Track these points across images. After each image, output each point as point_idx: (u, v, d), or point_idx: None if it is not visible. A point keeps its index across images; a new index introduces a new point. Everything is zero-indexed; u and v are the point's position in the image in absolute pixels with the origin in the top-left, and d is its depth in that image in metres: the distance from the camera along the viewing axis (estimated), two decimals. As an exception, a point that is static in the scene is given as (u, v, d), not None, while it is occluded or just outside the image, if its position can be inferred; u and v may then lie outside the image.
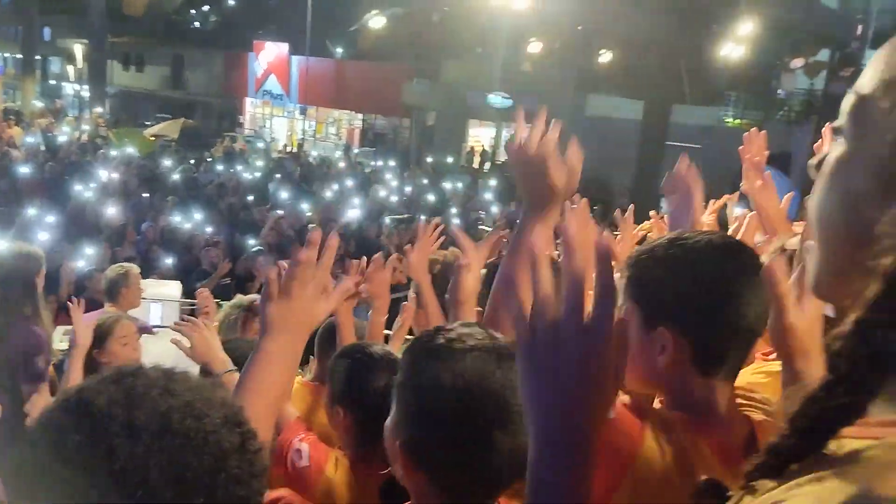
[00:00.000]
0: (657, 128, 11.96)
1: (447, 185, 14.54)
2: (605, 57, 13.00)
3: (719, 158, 13.88)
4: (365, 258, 2.61)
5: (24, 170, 11.42)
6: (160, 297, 5.60)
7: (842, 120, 0.63)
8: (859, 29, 11.31)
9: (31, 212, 8.34)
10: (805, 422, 0.57)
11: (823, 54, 11.60)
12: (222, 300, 5.81)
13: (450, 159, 19.45)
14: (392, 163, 17.59)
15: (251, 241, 8.94)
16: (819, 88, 14.66)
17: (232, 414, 0.79)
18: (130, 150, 15.03)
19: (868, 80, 0.60)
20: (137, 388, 0.76)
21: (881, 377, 0.54)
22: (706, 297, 1.12)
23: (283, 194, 12.13)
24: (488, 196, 13.03)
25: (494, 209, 12.15)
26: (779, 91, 17.49)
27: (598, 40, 12.82)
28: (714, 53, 9.33)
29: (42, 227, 7.92)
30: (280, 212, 10.26)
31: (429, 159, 18.28)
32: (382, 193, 12.74)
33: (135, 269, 4.89)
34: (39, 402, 3.29)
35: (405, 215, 8.56)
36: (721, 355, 1.13)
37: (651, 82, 12.11)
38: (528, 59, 13.46)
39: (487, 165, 20.81)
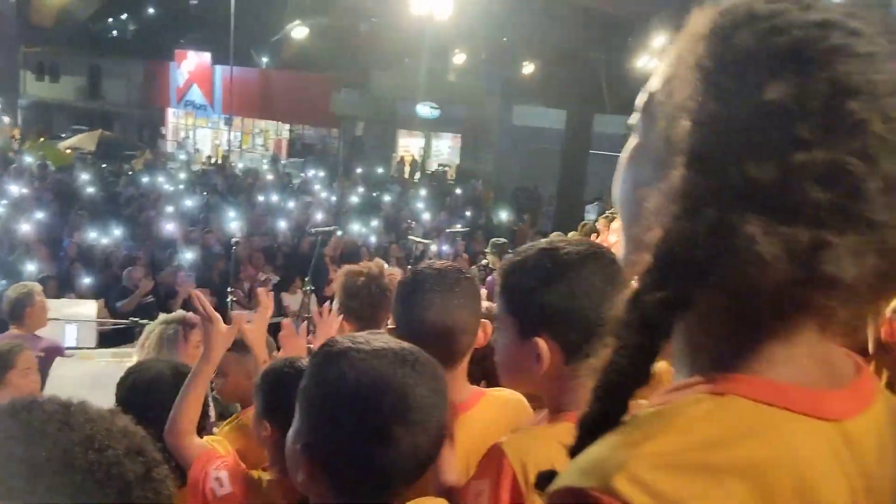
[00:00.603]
0: (580, 137, 12.30)
1: (377, 196, 14.53)
2: (529, 68, 13.29)
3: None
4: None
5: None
6: (77, 317, 5.39)
7: (634, 116, 0.69)
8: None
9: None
10: (601, 392, 0.61)
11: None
12: (144, 318, 5.65)
13: (380, 169, 19.42)
14: (321, 174, 17.43)
15: (174, 256, 8.71)
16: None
17: (134, 444, 0.78)
18: (45, 162, 14.38)
19: (654, 78, 0.66)
20: (34, 423, 0.74)
21: (655, 343, 0.59)
22: (576, 306, 1.17)
23: (208, 207, 11.85)
24: (419, 205, 13.08)
25: (426, 217, 12.20)
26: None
27: (521, 51, 13.09)
28: (632, 64, 9.70)
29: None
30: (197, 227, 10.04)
31: (359, 170, 18.21)
32: (310, 205, 12.60)
33: (37, 287, 4.69)
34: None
35: (331, 227, 8.48)
36: (590, 355, 1.18)
37: (572, 92, 12.47)
38: (452, 70, 13.63)
39: (417, 175, 20.89)
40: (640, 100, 0.68)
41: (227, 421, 2.54)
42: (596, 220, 7.39)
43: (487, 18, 9.63)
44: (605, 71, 11.81)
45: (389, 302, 2.42)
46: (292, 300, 8.75)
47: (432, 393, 1.06)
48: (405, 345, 1.11)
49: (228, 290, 6.51)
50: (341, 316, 2.59)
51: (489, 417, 1.61)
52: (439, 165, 22.88)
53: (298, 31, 8.80)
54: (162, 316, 3.47)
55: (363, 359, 1.04)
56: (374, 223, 11.33)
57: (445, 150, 24.85)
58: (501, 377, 1.33)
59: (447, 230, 10.02)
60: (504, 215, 12.97)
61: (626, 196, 0.68)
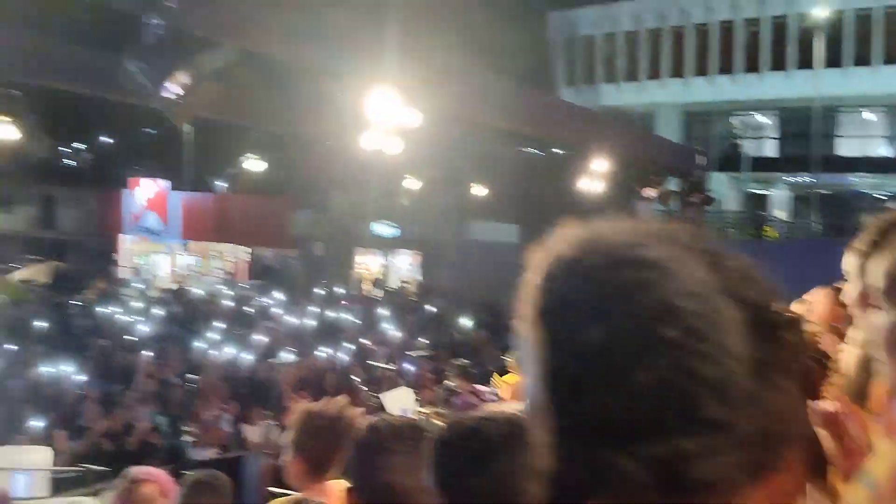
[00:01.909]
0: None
1: (338, 316, 14.46)
2: (481, 189, 13.86)
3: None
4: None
5: None
6: (27, 465, 5.13)
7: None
8: (699, 158, 12.93)
9: None
10: None
11: (671, 182, 13.11)
12: (100, 462, 5.41)
13: (340, 289, 19.45)
14: (283, 296, 17.34)
15: (129, 391, 8.42)
16: (674, 210, 16.26)
17: None
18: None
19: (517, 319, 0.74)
20: None
21: None
22: (502, 490, 1.15)
23: (165, 337, 11.62)
24: (383, 325, 13.04)
25: (387, 337, 12.14)
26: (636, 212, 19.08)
27: (471, 175, 13.68)
28: (578, 180, 10.26)
29: None
30: (151, 355, 9.78)
31: (319, 290, 18.19)
32: (270, 331, 12.44)
33: None
34: None
35: (290, 359, 8.38)
36: None
37: (523, 208, 12.92)
38: (406, 193, 14.12)
39: (379, 293, 20.94)
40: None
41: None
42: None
43: (436, 147, 10.12)
44: (553, 187, 12.35)
45: (343, 444, 2.41)
46: (253, 431, 8.48)
47: None
48: None
49: (186, 428, 6.28)
50: (289, 456, 2.55)
51: None
52: (402, 282, 23.03)
53: (253, 164, 9.08)
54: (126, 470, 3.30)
55: None
56: (337, 345, 11.21)
57: (405, 267, 25.11)
58: None
59: (412, 352, 9.98)
60: (466, 331, 12.99)
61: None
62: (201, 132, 23.16)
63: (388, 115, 5.80)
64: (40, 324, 12.01)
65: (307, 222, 24.28)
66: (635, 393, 0.59)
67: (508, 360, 7.92)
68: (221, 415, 8.30)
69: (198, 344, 10.76)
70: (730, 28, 28.19)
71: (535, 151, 10.85)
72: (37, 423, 6.94)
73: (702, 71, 28.73)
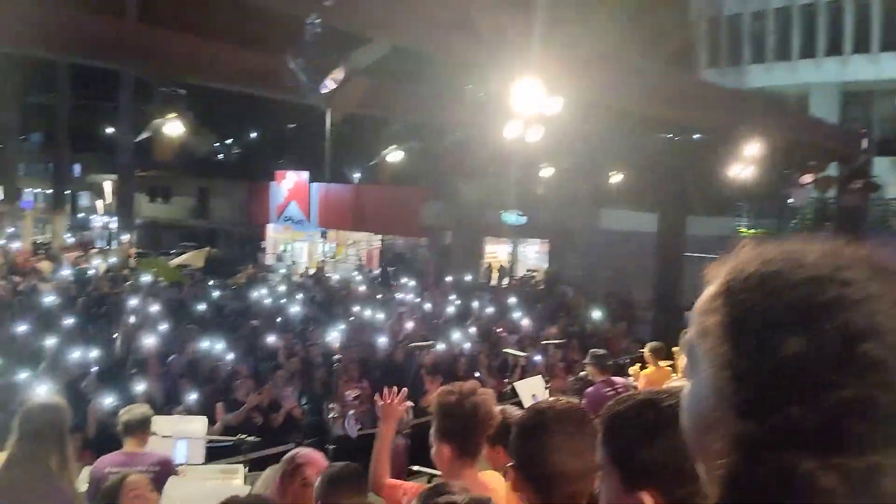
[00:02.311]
0: (673, 240, 12.11)
1: (468, 303, 14.62)
2: (616, 176, 13.43)
3: (737, 268, 13.88)
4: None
5: (54, 303, 11.68)
6: (186, 433, 5.57)
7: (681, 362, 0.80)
8: (864, 142, 11.73)
9: (60, 346, 8.46)
10: None
11: (832, 168, 11.97)
12: (250, 432, 5.79)
13: (468, 277, 19.65)
14: (412, 282, 17.80)
15: (277, 368, 8.95)
16: (830, 196, 14.99)
17: None
18: (157, 279, 15.35)
19: (691, 327, 0.75)
20: None
21: None
22: (682, 461, 1.11)
23: (307, 319, 12.24)
24: (511, 313, 13.04)
25: (518, 323, 12.13)
26: (788, 200, 17.78)
27: (607, 161, 13.29)
28: (724, 168, 9.68)
29: (72, 361, 8.00)
30: (294, 336, 10.35)
31: (448, 278, 18.49)
32: (403, 315, 12.80)
33: (148, 408, 4.94)
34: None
35: (428, 342, 8.60)
36: None
37: (662, 197, 12.40)
38: (538, 181, 13.98)
39: (506, 281, 20.97)
40: (683, 347, 0.79)
41: None
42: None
43: (572, 135, 9.88)
44: (696, 175, 11.77)
45: (482, 421, 2.53)
46: (388, 412, 8.78)
47: None
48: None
49: (330, 405, 6.59)
50: (435, 444, 2.62)
51: None
52: (528, 271, 22.96)
53: (394, 155, 9.37)
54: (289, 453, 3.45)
55: None
56: (468, 332, 11.35)
57: (533, 255, 25.01)
58: None
59: (542, 341, 9.90)
60: (597, 322, 12.72)
61: (687, 434, 0.77)
62: (340, 126, 24.18)
63: (530, 105, 5.76)
64: (196, 305, 13.03)
65: (437, 212, 24.74)
66: (838, 406, 0.61)
67: (644, 352, 7.71)
68: (358, 394, 8.65)
69: (335, 326, 11.25)
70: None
71: (678, 136, 10.34)
72: (193, 396, 7.51)
73: (862, 48, 26.32)
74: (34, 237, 24.58)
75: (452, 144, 17.33)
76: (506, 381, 8.31)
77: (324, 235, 28.15)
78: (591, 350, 6.69)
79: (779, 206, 20.04)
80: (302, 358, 9.50)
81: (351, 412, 8.23)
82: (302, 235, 29.10)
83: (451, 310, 13.75)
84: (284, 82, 4.79)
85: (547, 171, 12.91)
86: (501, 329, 11.89)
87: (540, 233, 23.12)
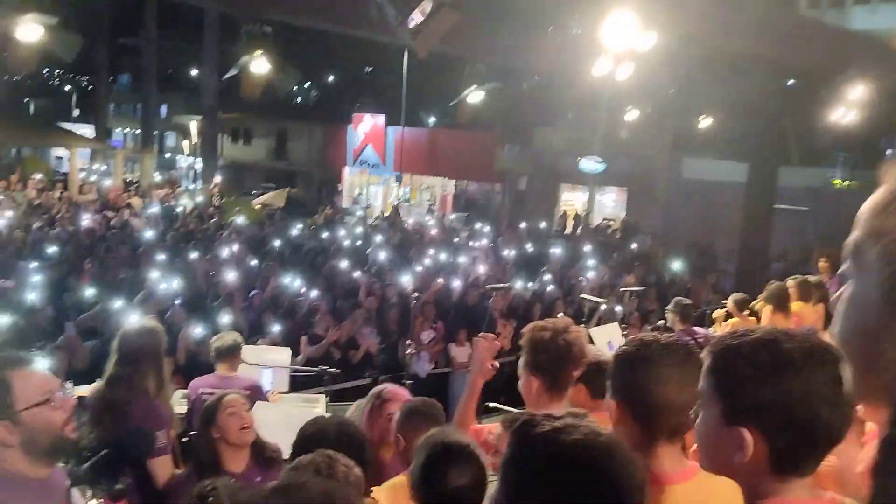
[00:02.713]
0: (764, 191, 11.52)
1: (542, 250, 14.50)
2: (705, 121, 12.76)
3: (828, 221, 13.22)
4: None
5: (147, 237, 12.23)
6: (272, 362, 5.79)
7: (845, 264, 0.75)
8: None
9: (152, 279, 8.87)
10: None
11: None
12: (329, 366, 5.97)
13: (543, 224, 19.44)
14: (486, 228, 17.76)
15: (354, 308, 9.16)
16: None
17: None
18: (241, 218, 15.85)
19: (858, 229, 0.72)
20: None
21: None
22: (793, 407, 1.13)
23: (382, 260, 12.43)
24: (587, 261, 12.86)
25: (593, 273, 11.97)
26: (888, 151, 16.70)
27: (696, 104, 12.65)
28: (822, 116, 9.06)
29: (163, 293, 8.39)
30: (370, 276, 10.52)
31: (522, 224, 18.34)
32: (476, 259, 12.82)
33: (239, 335, 5.14)
34: (163, 473, 3.43)
35: (505, 284, 8.61)
36: (798, 461, 1.16)
37: (755, 145, 11.77)
38: (618, 125, 13.43)
39: (581, 229, 20.66)
40: (849, 249, 0.73)
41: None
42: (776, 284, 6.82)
43: (660, 73, 9.42)
44: (792, 122, 11.11)
45: (575, 357, 2.55)
46: (460, 352, 8.89)
47: (628, 482, 1.10)
48: (604, 430, 1.16)
49: (408, 342, 6.72)
50: (523, 376, 2.62)
51: (697, 498, 1.59)
52: (604, 219, 22.55)
53: (475, 96, 9.19)
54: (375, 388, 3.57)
55: (566, 449, 1.09)
56: (542, 278, 11.28)
57: (610, 203, 24.50)
58: (699, 455, 1.31)
59: (620, 288, 9.74)
60: (677, 272, 12.39)
61: (848, 338, 0.75)
62: (418, 68, 24.00)
63: (621, 41, 5.50)
64: (276, 243, 13.40)
65: (512, 157, 24.45)
66: None
67: (727, 303, 7.47)
68: (433, 336, 8.79)
69: (410, 268, 11.38)
70: None
71: (776, 78, 9.69)
72: (275, 329, 7.78)
73: None
74: (124, 175, 25.69)
75: (532, 88, 16.94)
76: (581, 327, 8.26)
77: (398, 179, 28.35)
78: (676, 298, 6.53)
79: (878, 157, 18.84)
80: (378, 297, 9.69)
81: (424, 352, 8.41)
82: (377, 179, 29.40)
83: (524, 255, 13.68)
84: (370, 17, 4.72)
85: (629, 116, 12.42)
86: (575, 276, 11.76)
87: (618, 180, 22.57)
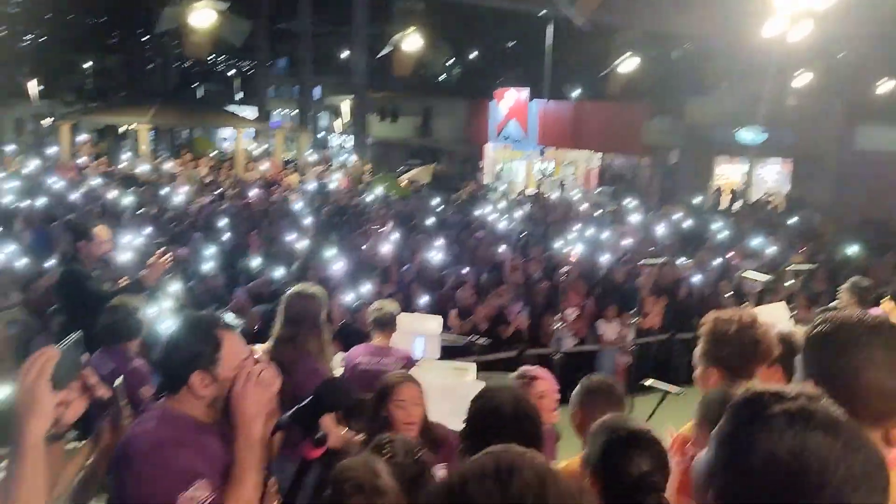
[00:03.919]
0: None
1: (695, 226, 13.81)
2: (884, 86, 11.44)
3: None
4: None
5: (303, 212, 12.93)
6: (424, 330, 5.93)
7: None
8: None
9: (309, 250, 9.36)
10: None
11: None
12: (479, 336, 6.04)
13: (695, 199, 18.47)
14: (632, 203, 17.15)
15: (499, 282, 9.19)
16: None
17: None
18: (387, 194, 16.36)
19: None
20: (512, 489, 0.79)
21: None
22: None
23: (526, 235, 12.35)
24: (748, 239, 12.08)
25: (753, 252, 11.23)
26: None
27: (873, 68, 11.39)
28: None
29: (319, 263, 8.85)
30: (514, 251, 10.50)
31: (674, 199, 17.55)
32: (624, 235, 12.43)
33: (396, 306, 5.26)
34: (334, 430, 3.59)
35: (657, 259, 8.26)
36: None
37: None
38: (790, 93, 12.33)
39: (738, 205, 19.43)
40: None
41: None
42: None
43: (835, 33, 8.56)
44: None
45: (762, 354, 2.45)
46: (608, 329, 8.68)
47: (861, 473, 0.98)
48: (842, 416, 1.05)
49: (555, 317, 6.63)
50: (701, 367, 2.51)
51: None
52: (763, 194, 21.07)
53: (627, 64, 8.74)
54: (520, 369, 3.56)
55: (791, 425, 1.00)
56: (697, 255, 10.74)
57: (771, 178, 22.84)
58: None
59: (786, 267, 9.07)
60: (851, 252, 11.32)
61: None
62: (562, 41, 23.49)
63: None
64: (422, 217, 13.71)
65: (662, 129, 23.36)
66: None
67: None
68: (579, 311, 8.64)
69: (555, 243, 11.23)
70: None
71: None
72: (424, 300, 7.97)
73: None
74: (283, 154, 27.25)
75: (685, 55, 16.07)
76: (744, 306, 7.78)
77: (542, 154, 28.00)
78: (854, 278, 5.97)
79: None
80: (523, 273, 9.66)
81: (568, 328, 8.27)
82: (520, 154, 29.20)
83: (675, 232, 13.08)
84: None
85: (796, 83, 11.42)
86: (735, 255, 11.09)
87: (781, 152, 20.94)
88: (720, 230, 12.88)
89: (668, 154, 24.36)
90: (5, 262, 7.80)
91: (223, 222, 11.45)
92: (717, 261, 10.64)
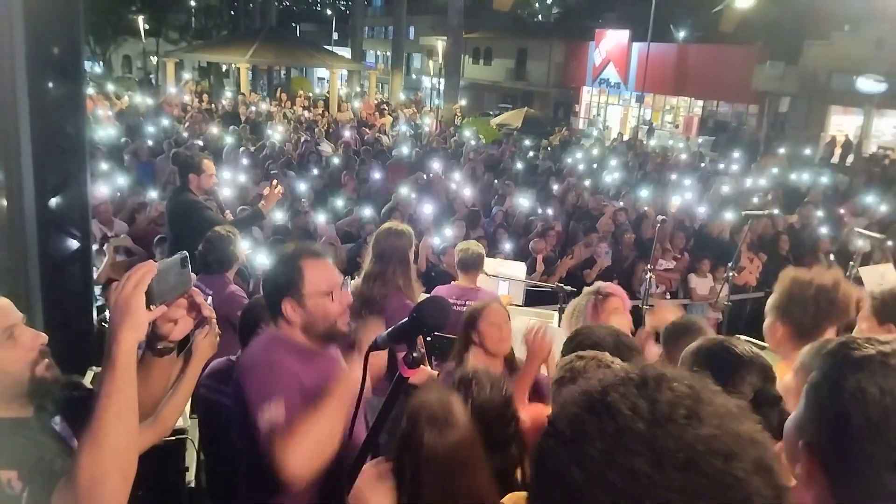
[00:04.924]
0: None
1: (800, 178, 13.01)
2: None
3: None
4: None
5: (395, 153, 13.01)
6: (510, 275, 5.89)
7: None
8: None
9: (401, 191, 9.43)
10: None
11: None
12: (567, 284, 5.94)
13: (806, 151, 17.35)
14: (736, 154, 16.29)
15: (589, 229, 9.00)
16: None
17: (762, 457, 0.68)
18: (478, 137, 16.21)
19: None
20: (661, 404, 0.70)
21: None
22: None
23: (620, 183, 11.99)
24: (863, 196, 11.29)
25: (863, 208, 10.49)
26: None
27: None
28: None
29: (409, 205, 8.91)
30: (618, 203, 10.21)
31: (781, 150, 16.54)
32: (727, 187, 11.85)
33: (482, 250, 5.22)
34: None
35: (763, 211, 7.84)
36: None
37: None
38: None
39: (850, 158, 18.15)
40: None
41: None
42: None
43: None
44: None
45: (836, 317, 2.37)
46: (700, 283, 8.38)
47: None
48: None
49: (647, 267, 6.44)
50: (770, 319, 2.38)
51: None
52: (879, 148, 19.56)
53: (741, 2, 8.07)
54: (585, 289, 3.58)
55: (888, 375, 0.95)
56: (802, 210, 10.14)
57: (889, 130, 21.14)
58: None
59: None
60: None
61: None
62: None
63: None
64: (512, 162, 13.53)
65: (774, 75, 21.89)
66: None
67: None
68: (672, 262, 8.37)
69: (650, 193, 10.86)
70: None
71: None
72: (508, 247, 7.91)
73: None
74: (377, 95, 27.40)
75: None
76: (850, 266, 7.32)
77: (639, 100, 26.94)
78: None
79: None
80: (614, 221, 9.40)
81: (657, 280, 8.03)
82: (616, 100, 28.21)
83: (780, 185, 12.36)
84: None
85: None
86: (844, 211, 10.40)
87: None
88: (830, 183, 12.08)
89: (779, 101, 22.90)
90: (114, 193, 8.25)
91: (316, 161, 11.67)
92: (823, 216, 10.02)
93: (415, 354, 1.69)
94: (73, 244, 3.95)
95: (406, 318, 1.78)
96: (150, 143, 11.99)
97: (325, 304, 2.14)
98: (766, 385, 1.86)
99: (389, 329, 1.95)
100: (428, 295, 5.20)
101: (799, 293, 2.37)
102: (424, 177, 10.95)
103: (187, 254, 1.63)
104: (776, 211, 9.71)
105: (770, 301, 2.48)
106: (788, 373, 2.04)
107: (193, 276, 1.68)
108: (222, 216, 5.52)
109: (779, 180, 12.75)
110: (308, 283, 2.12)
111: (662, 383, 0.71)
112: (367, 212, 8.50)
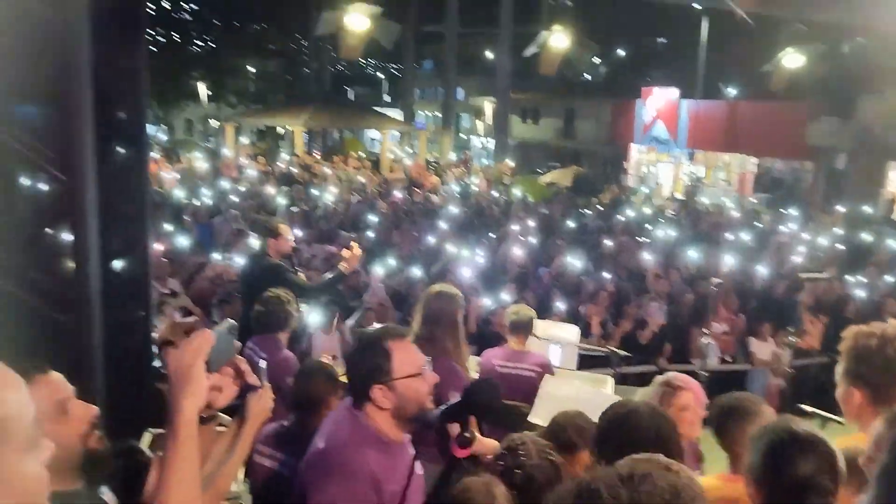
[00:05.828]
0: None
1: (864, 237, 12.58)
2: None
3: None
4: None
5: (444, 213, 13.11)
6: (560, 339, 5.78)
7: None
8: None
9: (450, 252, 9.46)
10: None
11: None
12: (621, 346, 5.82)
13: (866, 208, 16.83)
14: (793, 212, 15.91)
15: (641, 290, 8.83)
16: None
17: None
18: (527, 196, 16.24)
19: None
20: (640, 494, 0.79)
21: None
22: None
23: (672, 242, 11.79)
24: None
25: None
26: None
27: None
28: None
29: (459, 265, 8.91)
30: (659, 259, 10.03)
31: (839, 208, 16.09)
32: (783, 246, 11.54)
33: (533, 313, 5.15)
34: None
35: (821, 274, 7.60)
36: None
37: None
38: None
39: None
40: None
41: None
42: None
43: None
44: None
45: None
46: (761, 348, 8.08)
47: None
48: None
49: (702, 330, 6.26)
50: (842, 387, 2.31)
51: None
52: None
53: (792, 59, 8.03)
54: (655, 379, 3.36)
55: None
56: (866, 270, 9.78)
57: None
58: None
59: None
60: None
61: None
62: (717, 37, 22.29)
63: None
64: (562, 221, 13.48)
65: (829, 130, 21.49)
66: None
67: None
68: (729, 326, 8.12)
69: (704, 253, 10.64)
70: None
71: None
72: (560, 307, 7.79)
73: None
74: (427, 155, 27.87)
75: (857, 49, 14.70)
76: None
77: (691, 157, 26.72)
78: None
79: None
80: (668, 281, 9.21)
81: (715, 344, 7.78)
82: (666, 157, 28.04)
83: (843, 244, 11.97)
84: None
85: None
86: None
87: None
88: (889, 242, 11.66)
89: (835, 158, 22.41)
90: (174, 252, 8.49)
91: (369, 221, 11.84)
92: (888, 278, 9.64)
93: (466, 434, 1.65)
94: (136, 309, 4.04)
95: (458, 399, 1.74)
96: (209, 203, 12.38)
97: (416, 385, 2.08)
98: (819, 473, 1.79)
99: (443, 407, 1.91)
100: (477, 357, 5.15)
101: (864, 347, 2.26)
102: (474, 237, 10.99)
103: (235, 323, 1.66)
104: (832, 273, 9.37)
105: (838, 367, 2.37)
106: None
107: (238, 343, 1.68)
108: (305, 279, 5.65)
109: (839, 239, 12.37)
110: (397, 366, 2.06)
111: (646, 478, 0.80)
112: (417, 271, 8.54)
